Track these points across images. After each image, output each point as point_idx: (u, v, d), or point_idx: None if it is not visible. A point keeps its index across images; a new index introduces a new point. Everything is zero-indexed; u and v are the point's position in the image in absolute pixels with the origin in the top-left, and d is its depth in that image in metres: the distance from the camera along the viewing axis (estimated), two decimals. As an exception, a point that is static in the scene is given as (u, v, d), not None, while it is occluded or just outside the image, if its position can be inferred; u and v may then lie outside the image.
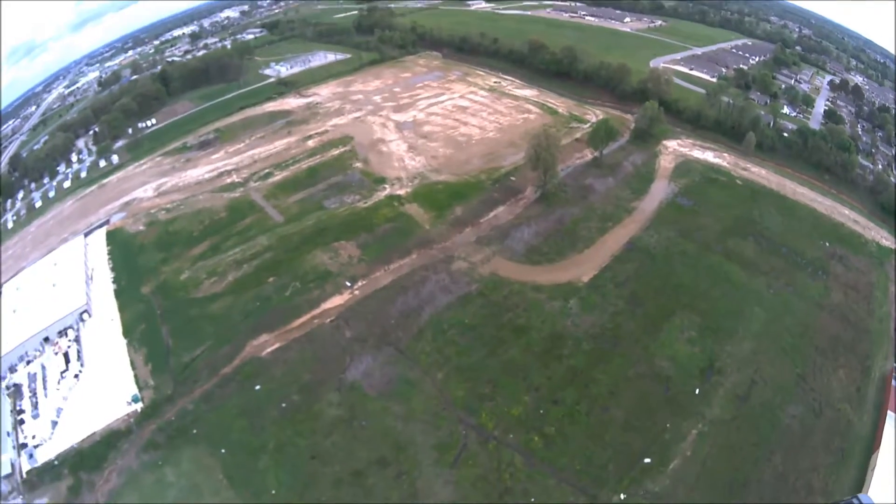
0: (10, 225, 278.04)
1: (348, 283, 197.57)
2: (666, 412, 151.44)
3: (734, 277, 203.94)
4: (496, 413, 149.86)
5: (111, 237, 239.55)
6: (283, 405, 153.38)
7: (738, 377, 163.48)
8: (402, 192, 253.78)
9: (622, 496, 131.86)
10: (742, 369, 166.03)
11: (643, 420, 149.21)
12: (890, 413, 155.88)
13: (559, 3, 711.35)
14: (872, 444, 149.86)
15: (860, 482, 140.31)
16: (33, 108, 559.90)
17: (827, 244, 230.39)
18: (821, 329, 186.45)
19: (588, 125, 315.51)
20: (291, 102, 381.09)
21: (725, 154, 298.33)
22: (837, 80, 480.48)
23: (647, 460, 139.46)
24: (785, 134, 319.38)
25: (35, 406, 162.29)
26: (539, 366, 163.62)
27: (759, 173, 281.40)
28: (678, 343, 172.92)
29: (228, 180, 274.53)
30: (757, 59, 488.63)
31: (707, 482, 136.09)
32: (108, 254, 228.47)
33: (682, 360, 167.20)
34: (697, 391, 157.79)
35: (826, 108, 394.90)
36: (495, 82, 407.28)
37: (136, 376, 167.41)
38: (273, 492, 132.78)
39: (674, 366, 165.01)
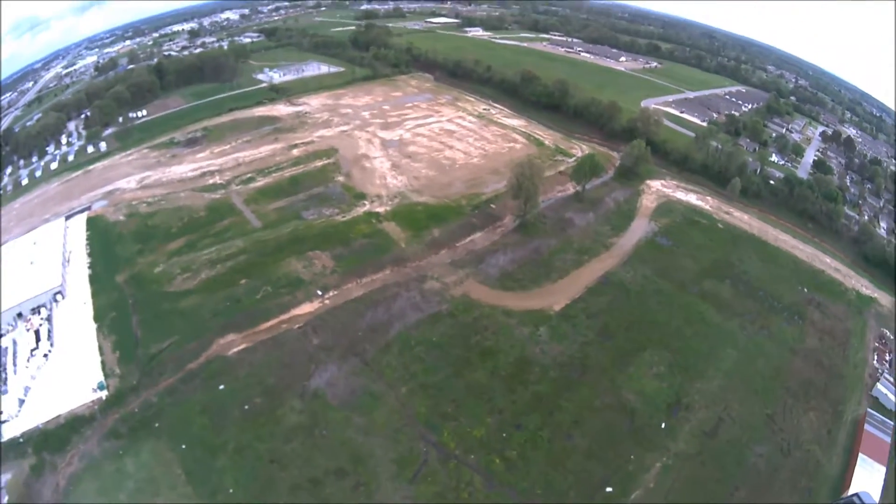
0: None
1: (319, 292, 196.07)
2: (630, 443, 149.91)
3: (708, 318, 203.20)
4: (458, 432, 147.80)
5: (91, 223, 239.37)
6: (246, 407, 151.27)
7: (705, 414, 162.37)
8: (381, 209, 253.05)
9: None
10: (710, 407, 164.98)
11: (606, 450, 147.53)
12: (861, 456, 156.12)
13: (556, 37, 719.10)
14: (841, 485, 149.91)
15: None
16: (30, 83, 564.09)
17: (805, 290, 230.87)
18: (793, 372, 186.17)
19: (573, 159, 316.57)
20: (281, 109, 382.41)
21: (709, 197, 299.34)
22: (830, 132, 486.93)
23: (609, 489, 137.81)
24: (771, 181, 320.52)
25: (4, 381, 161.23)
26: (504, 389, 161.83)
27: (742, 218, 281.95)
28: (646, 378, 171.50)
29: (211, 181, 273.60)
30: (750, 106, 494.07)
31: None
32: (87, 239, 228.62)
33: (649, 393, 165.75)
34: (663, 425, 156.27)
35: (816, 157, 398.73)
36: (484, 109, 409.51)
37: (103, 363, 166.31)
38: (230, 491, 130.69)
39: (640, 399, 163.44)
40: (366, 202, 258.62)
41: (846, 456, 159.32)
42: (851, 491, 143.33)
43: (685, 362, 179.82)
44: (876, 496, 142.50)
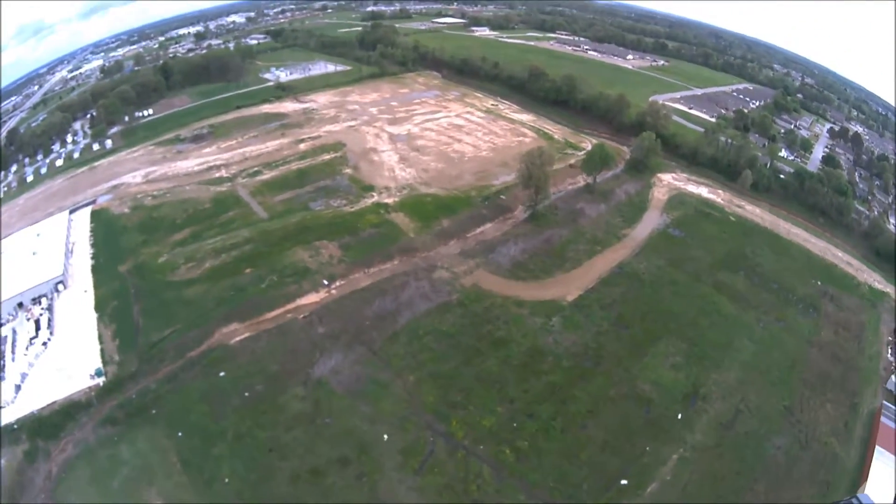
0: (0, 195, 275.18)
1: (326, 282, 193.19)
2: (646, 435, 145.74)
3: (724, 309, 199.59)
4: (467, 422, 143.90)
5: (95, 216, 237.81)
6: (247, 394, 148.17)
7: (722, 405, 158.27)
8: (389, 200, 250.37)
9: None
10: (727, 398, 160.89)
11: (622, 441, 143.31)
12: (878, 449, 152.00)
13: (563, 36, 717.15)
14: (859, 478, 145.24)
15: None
16: (36, 87, 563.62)
17: (819, 283, 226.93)
18: (810, 364, 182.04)
19: (583, 153, 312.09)
20: (287, 106, 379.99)
21: (720, 190, 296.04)
22: (837, 128, 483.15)
23: (624, 482, 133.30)
24: (781, 176, 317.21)
25: (2, 369, 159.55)
26: (516, 379, 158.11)
27: (753, 211, 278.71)
28: (662, 368, 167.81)
29: (217, 174, 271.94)
30: (757, 103, 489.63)
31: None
32: (91, 231, 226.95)
33: (665, 384, 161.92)
34: (680, 416, 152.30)
35: (824, 153, 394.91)
36: (493, 105, 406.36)
37: (102, 350, 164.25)
38: (226, 480, 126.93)
39: (656, 390, 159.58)
40: (374, 194, 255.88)
41: (863, 449, 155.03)
42: (869, 484, 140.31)
43: (701, 353, 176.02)
44: (892, 489, 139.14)
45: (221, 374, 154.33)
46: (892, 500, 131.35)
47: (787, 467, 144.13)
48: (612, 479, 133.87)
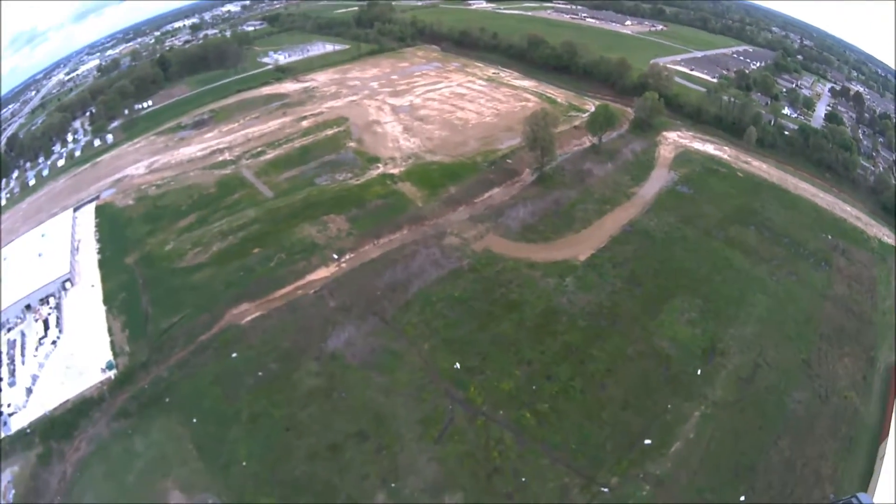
0: (3, 202, 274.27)
1: (335, 256, 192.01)
2: (666, 392, 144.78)
3: (736, 264, 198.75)
4: (485, 387, 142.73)
5: (100, 211, 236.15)
6: (260, 374, 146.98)
7: (741, 360, 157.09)
8: (395, 171, 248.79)
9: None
10: (745, 352, 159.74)
11: (642, 399, 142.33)
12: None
13: (560, 4, 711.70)
14: (879, 434, 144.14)
15: (869, 472, 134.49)
16: (33, 93, 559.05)
17: (829, 237, 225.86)
18: (825, 318, 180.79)
19: (586, 114, 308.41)
20: (288, 87, 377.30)
21: (726, 147, 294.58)
22: (838, 88, 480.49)
23: (648, 441, 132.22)
24: (786, 132, 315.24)
25: (12, 374, 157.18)
26: (532, 341, 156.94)
27: (760, 167, 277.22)
28: (678, 324, 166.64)
29: (220, 158, 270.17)
30: (758, 64, 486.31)
31: (711, 466, 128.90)
32: (96, 226, 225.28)
33: (682, 340, 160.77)
34: (699, 372, 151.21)
35: (827, 111, 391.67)
36: (494, 73, 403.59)
37: (112, 343, 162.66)
38: (244, 463, 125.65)
39: (674, 346, 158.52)
40: (379, 165, 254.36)
41: (882, 403, 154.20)
42: (890, 439, 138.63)
43: (716, 308, 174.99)
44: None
45: (234, 355, 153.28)
46: None
47: (809, 422, 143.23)
48: (635, 438, 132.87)
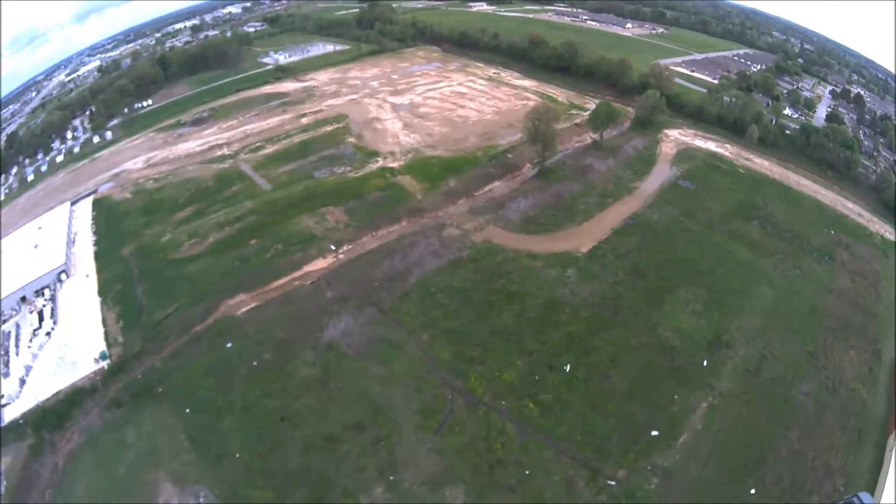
0: (1, 197, 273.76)
1: (333, 247, 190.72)
2: (672, 383, 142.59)
3: (740, 257, 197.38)
4: (486, 377, 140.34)
5: (97, 204, 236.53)
6: (255, 363, 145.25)
7: (746, 351, 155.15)
8: (395, 164, 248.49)
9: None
10: (751, 344, 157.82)
11: (648, 390, 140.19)
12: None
13: (560, 7, 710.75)
14: (886, 426, 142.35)
15: (878, 465, 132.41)
16: (34, 93, 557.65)
17: (832, 232, 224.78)
18: (830, 311, 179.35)
19: (587, 113, 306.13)
20: (288, 86, 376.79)
21: (727, 145, 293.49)
22: (839, 90, 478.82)
23: (655, 433, 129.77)
24: (787, 131, 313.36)
25: (6, 365, 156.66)
26: (534, 331, 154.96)
27: (762, 164, 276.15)
28: (683, 315, 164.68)
29: (219, 153, 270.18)
30: (759, 66, 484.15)
31: (720, 458, 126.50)
32: (93, 219, 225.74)
33: (687, 331, 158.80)
34: (706, 363, 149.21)
35: (828, 112, 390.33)
36: (494, 73, 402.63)
37: (106, 333, 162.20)
38: (237, 455, 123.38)
39: (679, 337, 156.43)
40: (379, 159, 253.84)
41: (888, 396, 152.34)
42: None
43: (721, 300, 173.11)
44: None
45: (228, 345, 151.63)
46: None
47: (817, 414, 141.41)
48: (642, 429, 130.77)
